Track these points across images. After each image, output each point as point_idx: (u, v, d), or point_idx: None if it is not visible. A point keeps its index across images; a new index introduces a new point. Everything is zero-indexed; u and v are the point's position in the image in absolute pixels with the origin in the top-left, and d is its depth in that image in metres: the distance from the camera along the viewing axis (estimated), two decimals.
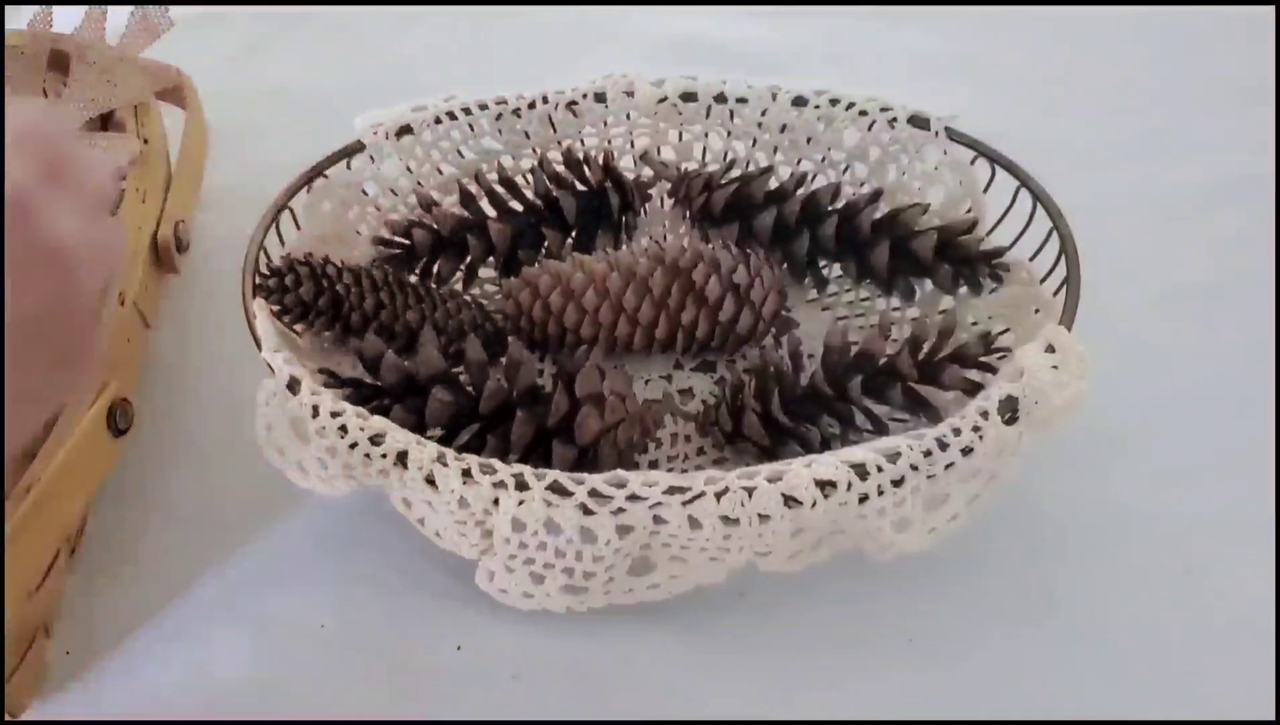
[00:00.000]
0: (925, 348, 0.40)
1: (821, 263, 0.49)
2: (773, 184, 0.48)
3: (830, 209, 0.47)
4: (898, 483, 0.33)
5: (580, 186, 0.48)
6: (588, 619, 0.37)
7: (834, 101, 0.48)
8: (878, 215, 0.46)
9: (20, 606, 0.35)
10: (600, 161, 0.49)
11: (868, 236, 0.46)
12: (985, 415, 0.34)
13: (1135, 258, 0.52)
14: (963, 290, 0.45)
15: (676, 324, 0.44)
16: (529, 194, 0.48)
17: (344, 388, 0.39)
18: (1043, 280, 0.42)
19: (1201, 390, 0.46)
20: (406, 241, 0.47)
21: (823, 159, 0.49)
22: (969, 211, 0.46)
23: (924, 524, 0.35)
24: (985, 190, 0.46)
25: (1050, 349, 0.36)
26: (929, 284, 0.47)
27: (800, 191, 0.47)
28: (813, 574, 0.36)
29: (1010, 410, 0.34)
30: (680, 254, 0.44)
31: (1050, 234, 0.43)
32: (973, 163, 0.46)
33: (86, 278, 0.27)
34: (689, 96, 0.49)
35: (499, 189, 0.48)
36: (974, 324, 0.44)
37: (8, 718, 0.36)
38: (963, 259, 0.44)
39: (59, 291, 0.26)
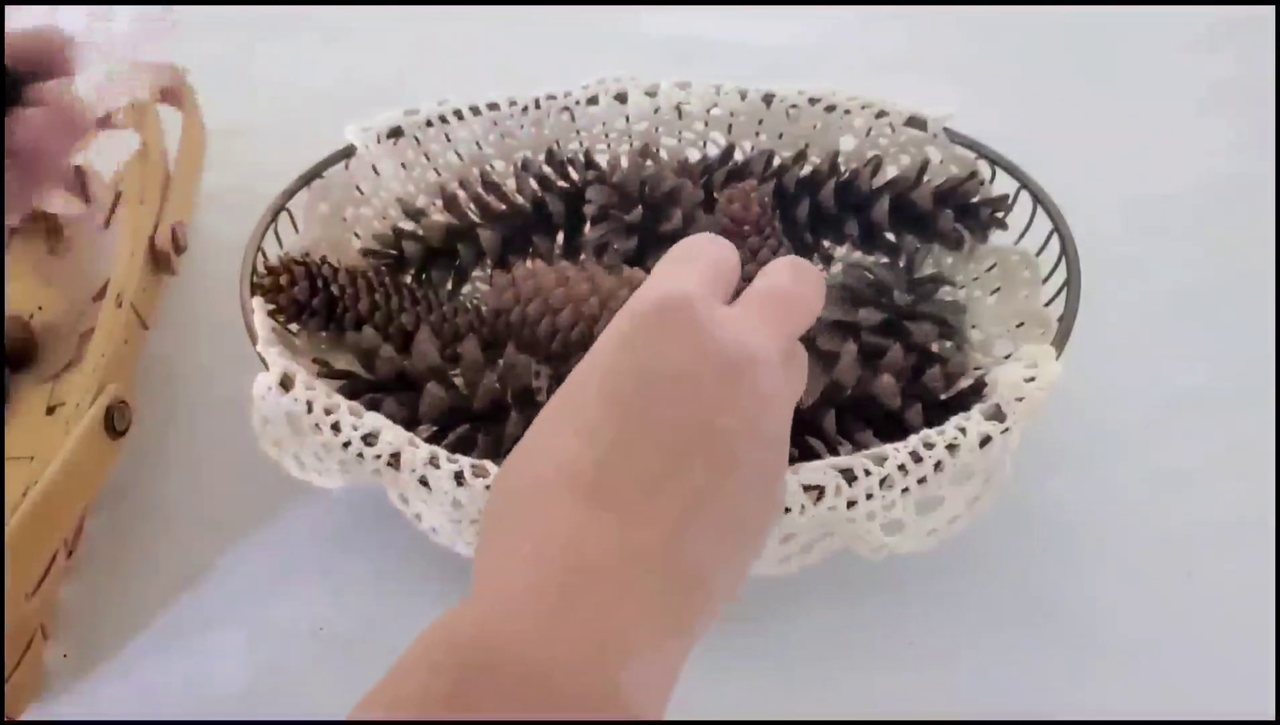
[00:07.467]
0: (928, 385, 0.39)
1: (826, 242, 0.48)
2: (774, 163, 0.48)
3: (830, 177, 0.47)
4: (885, 484, 0.33)
5: (563, 185, 0.48)
6: None
7: (830, 108, 0.48)
8: (877, 182, 0.46)
9: (18, 608, 0.35)
10: (582, 160, 0.49)
11: (867, 195, 0.46)
12: (968, 416, 0.34)
13: (1135, 258, 0.52)
14: (963, 292, 0.45)
15: None
16: (517, 198, 0.48)
17: (338, 380, 0.39)
18: (1043, 281, 0.42)
19: (1201, 391, 0.46)
20: (395, 253, 0.46)
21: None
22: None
23: (921, 526, 0.35)
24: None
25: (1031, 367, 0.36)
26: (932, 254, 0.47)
27: (799, 166, 0.47)
28: (810, 576, 0.36)
29: (994, 412, 0.34)
30: None
31: (1050, 235, 0.43)
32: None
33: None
34: (685, 103, 0.49)
35: (485, 195, 0.47)
36: (973, 327, 0.44)
37: (5, 720, 0.36)
38: (964, 207, 0.45)
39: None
